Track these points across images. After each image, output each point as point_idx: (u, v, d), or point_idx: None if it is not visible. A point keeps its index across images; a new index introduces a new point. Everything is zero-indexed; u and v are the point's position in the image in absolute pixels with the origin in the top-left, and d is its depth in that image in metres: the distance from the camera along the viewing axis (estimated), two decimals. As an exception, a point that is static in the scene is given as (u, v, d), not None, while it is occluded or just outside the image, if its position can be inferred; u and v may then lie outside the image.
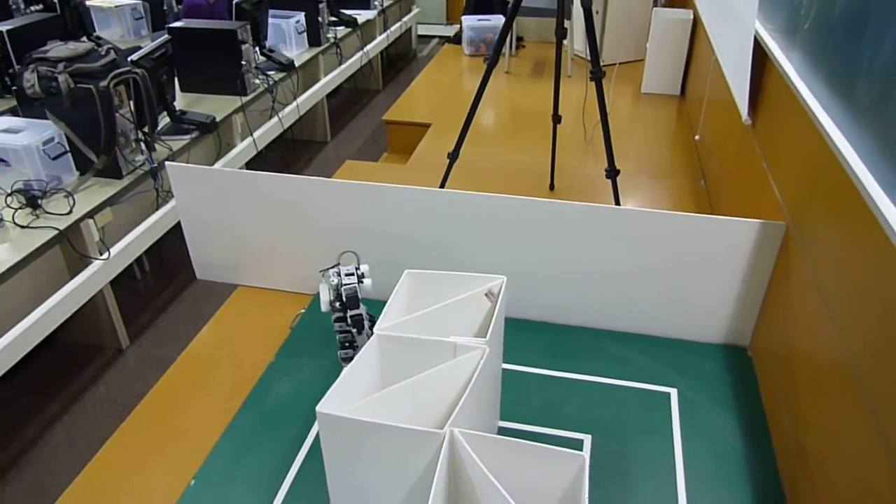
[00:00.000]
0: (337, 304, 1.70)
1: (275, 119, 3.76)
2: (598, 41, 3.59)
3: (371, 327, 1.76)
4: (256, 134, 3.56)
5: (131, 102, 2.64)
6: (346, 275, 1.71)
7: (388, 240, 1.99)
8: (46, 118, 2.54)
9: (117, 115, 2.54)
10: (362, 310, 1.76)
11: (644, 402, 1.74)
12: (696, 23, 3.93)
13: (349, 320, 1.71)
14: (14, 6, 4.00)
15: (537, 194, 2.58)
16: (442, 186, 2.77)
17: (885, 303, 1.14)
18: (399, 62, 6.47)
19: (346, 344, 1.76)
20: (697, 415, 1.70)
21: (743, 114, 2.17)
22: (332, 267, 1.73)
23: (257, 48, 3.80)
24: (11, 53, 3.12)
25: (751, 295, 1.84)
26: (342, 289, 1.69)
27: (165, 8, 4.50)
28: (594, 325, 2.00)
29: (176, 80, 3.34)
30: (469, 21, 5.07)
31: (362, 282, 1.71)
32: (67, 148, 2.57)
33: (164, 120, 3.09)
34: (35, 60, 2.45)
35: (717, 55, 2.76)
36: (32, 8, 4.00)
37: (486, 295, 1.46)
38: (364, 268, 1.75)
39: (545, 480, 1.17)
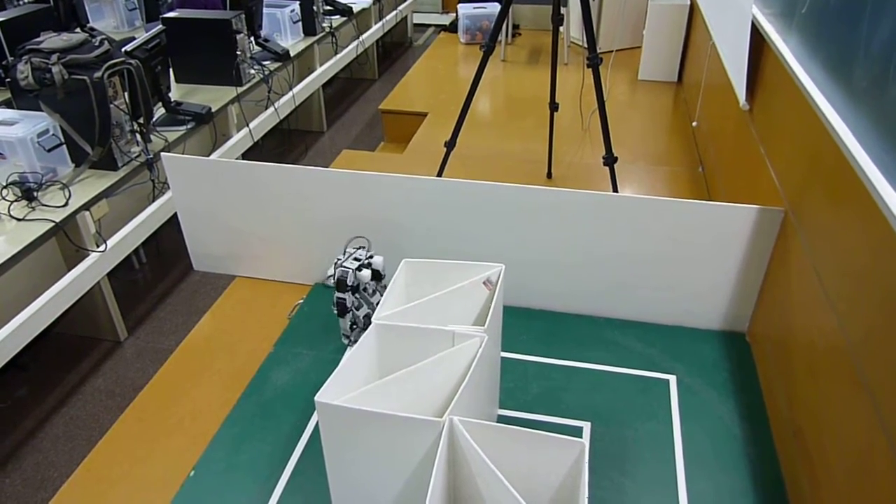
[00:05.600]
0: (330, 281, 1.73)
1: (270, 109, 3.74)
2: (595, 28, 3.58)
3: (366, 317, 1.77)
4: (252, 124, 3.55)
5: (126, 94, 2.62)
6: (353, 259, 1.73)
7: (386, 229, 1.98)
8: (41, 110, 2.52)
9: (112, 106, 2.52)
10: (372, 300, 1.77)
11: (643, 388, 1.74)
12: (693, 9, 3.91)
13: (334, 300, 1.73)
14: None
15: (535, 182, 2.57)
16: (439, 175, 2.76)
17: (885, 287, 1.14)
18: (395, 51, 6.44)
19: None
20: (696, 401, 1.71)
21: (740, 99, 2.16)
22: (357, 248, 1.75)
23: (252, 38, 3.78)
24: (5, 45, 3.10)
25: (749, 281, 1.84)
26: (337, 270, 1.71)
27: (159, -2, 4.47)
28: (592, 312, 2.00)
29: (171, 70, 3.32)
30: (465, 9, 5.05)
31: (361, 270, 1.72)
32: (62, 140, 2.56)
33: (159, 111, 3.08)
34: (28, 52, 2.44)
35: (715, 41, 2.75)
36: (25, -1, 3.97)
37: (484, 283, 1.46)
38: (377, 259, 1.76)
39: (545, 468, 1.17)
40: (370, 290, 1.80)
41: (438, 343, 1.32)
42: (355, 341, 1.83)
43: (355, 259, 1.74)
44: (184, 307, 3.02)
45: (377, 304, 1.81)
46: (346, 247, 1.77)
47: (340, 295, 1.73)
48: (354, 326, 1.81)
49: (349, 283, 1.71)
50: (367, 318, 1.81)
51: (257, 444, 1.60)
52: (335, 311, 1.77)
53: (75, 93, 2.44)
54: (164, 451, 1.60)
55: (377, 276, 1.79)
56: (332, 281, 1.73)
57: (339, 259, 1.74)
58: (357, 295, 1.76)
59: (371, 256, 1.77)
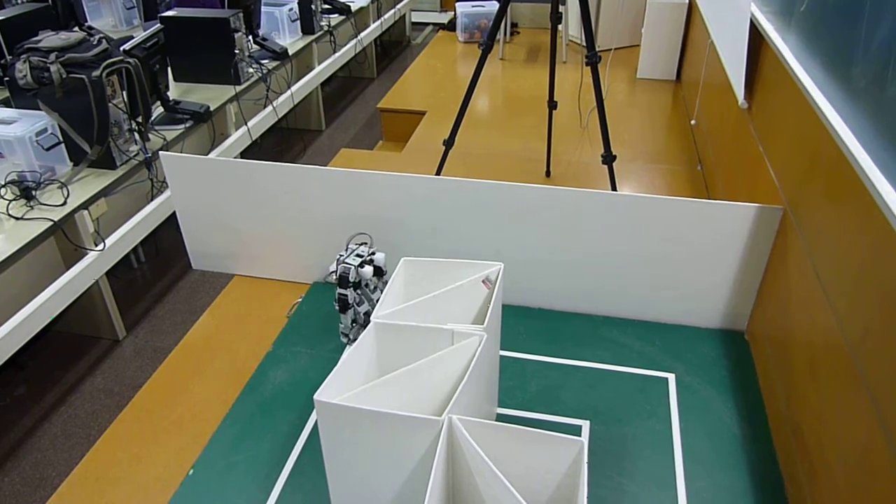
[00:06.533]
0: (332, 277, 1.73)
1: (269, 108, 3.74)
2: (594, 26, 3.57)
3: (366, 314, 1.78)
4: (251, 123, 3.54)
5: (124, 92, 2.62)
6: (356, 255, 1.73)
7: (385, 228, 1.98)
8: (39, 109, 2.52)
9: (110, 105, 2.52)
10: (374, 296, 1.78)
11: (642, 387, 1.75)
12: (692, 7, 3.91)
13: (336, 296, 1.74)
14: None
15: (533, 180, 2.58)
16: (438, 173, 2.76)
17: (884, 285, 1.14)
18: (393, 50, 6.43)
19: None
20: (695, 399, 1.71)
21: (739, 97, 2.16)
22: (360, 245, 1.75)
23: (250, 36, 3.78)
24: (3, 44, 3.09)
25: (748, 279, 1.84)
26: (339, 266, 1.71)
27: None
28: (591, 311, 2.00)
29: (169, 69, 3.32)
30: (463, 7, 5.04)
31: (363, 267, 1.72)
32: (61, 139, 2.55)
33: (157, 110, 3.07)
34: (27, 51, 2.43)
35: (713, 39, 2.75)
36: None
37: (483, 282, 1.46)
38: (379, 256, 1.76)
39: (544, 466, 1.17)
40: (371, 287, 1.80)
41: (437, 342, 1.32)
42: (354, 339, 1.83)
43: (357, 255, 1.74)
44: (182, 306, 3.02)
45: (378, 300, 1.81)
46: (349, 243, 1.77)
47: (342, 291, 1.73)
48: (355, 323, 1.81)
49: (351, 279, 1.71)
50: (368, 314, 1.81)
51: (256, 443, 1.60)
52: (336, 308, 1.77)
53: (73, 92, 2.44)
54: (163, 449, 1.60)
55: (379, 272, 1.79)
56: (334, 277, 1.73)
57: (341, 255, 1.75)
58: (359, 291, 1.76)
59: (373, 253, 1.77)
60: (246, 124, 3.52)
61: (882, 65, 1.22)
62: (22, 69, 2.40)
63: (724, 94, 2.54)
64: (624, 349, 1.87)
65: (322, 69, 4.43)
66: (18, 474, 2.25)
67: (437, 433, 1.13)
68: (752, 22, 2.05)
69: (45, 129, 2.50)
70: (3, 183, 2.42)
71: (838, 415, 1.27)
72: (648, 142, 3.37)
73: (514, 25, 5.30)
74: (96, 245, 2.50)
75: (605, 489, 1.48)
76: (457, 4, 5.11)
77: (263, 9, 4.02)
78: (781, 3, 1.91)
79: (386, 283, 1.81)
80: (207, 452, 1.58)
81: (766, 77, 2.01)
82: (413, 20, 6.82)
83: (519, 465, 1.17)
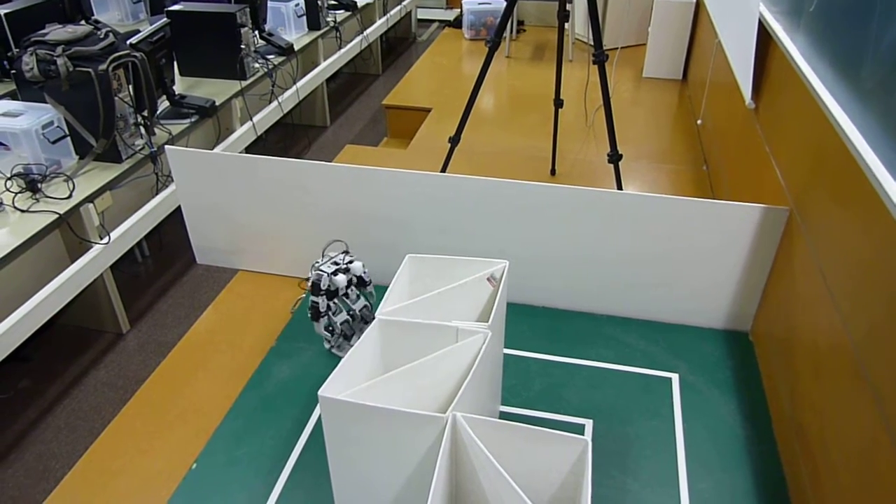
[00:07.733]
0: (309, 283, 1.72)
1: (274, 103, 3.74)
2: (600, 25, 3.56)
3: (345, 323, 1.77)
4: (256, 118, 3.54)
5: (130, 86, 2.62)
6: (332, 262, 1.72)
7: (390, 224, 1.98)
8: (45, 102, 2.52)
9: (116, 98, 2.52)
10: (356, 306, 1.77)
11: (645, 386, 1.74)
12: (699, 6, 3.90)
13: (308, 303, 1.73)
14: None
15: (539, 179, 2.57)
16: (443, 171, 2.76)
17: (890, 286, 1.13)
18: (399, 46, 6.43)
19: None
20: (698, 399, 1.70)
21: (746, 97, 2.15)
22: (340, 253, 1.74)
23: (256, 32, 3.77)
24: (10, 37, 3.10)
25: (753, 280, 1.84)
26: (312, 273, 1.71)
27: (164, -9, 4.46)
28: (596, 310, 1.99)
29: (175, 63, 3.32)
30: (469, 4, 5.04)
31: (337, 275, 1.71)
32: (67, 132, 2.56)
33: (163, 104, 3.08)
34: (34, 44, 2.43)
35: (721, 38, 2.74)
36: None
37: (488, 279, 1.46)
38: (356, 264, 1.74)
39: (547, 464, 1.17)
40: (352, 296, 1.78)
41: (442, 339, 1.32)
42: (336, 346, 1.82)
43: (333, 263, 1.72)
44: (186, 300, 3.02)
45: (360, 310, 1.81)
46: (325, 250, 1.75)
47: (314, 299, 1.72)
48: (332, 331, 1.80)
49: (322, 286, 1.70)
50: (346, 323, 1.79)
51: (259, 438, 1.60)
52: (309, 315, 1.76)
53: (80, 85, 2.44)
54: (167, 443, 1.60)
55: (361, 282, 1.78)
56: (309, 285, 1.72)
57: (317, 262, 1.73)
58: (336, 300, 1.75)
59: (350, 262, 1.75)
60: (251, 119, 3.52)
61: (891, 66, 1.21)
62: (29, 62, 2.40)
63: (731, 94, 2.54)
64: (628, 348, 1.87)
65: (327, 65, 4.43)
66: (22, 466, 2.26)
67: (441, 430, 1.13)
68: (760, 22, 2.04)
69: (51, 122, 2.51)
70: (8, 175, 2.42)
71: (842, 415, 1.26)
72: (654, 141, 3.37)
73: (520, 23, 5.29)
74: (101, 238, 2.50)
75: (608, 488, 1.48)
76: (463, 1, 5.10)
77: (270, 4, 4.02)
78: (790, 4, 1.90)
79: (370, 292, 1.80)
80: (211, 447, 1.59)
81: (773, 77, 2.00)
82: (419, 17, 6.81)
83: (522, 463, 1.17)
